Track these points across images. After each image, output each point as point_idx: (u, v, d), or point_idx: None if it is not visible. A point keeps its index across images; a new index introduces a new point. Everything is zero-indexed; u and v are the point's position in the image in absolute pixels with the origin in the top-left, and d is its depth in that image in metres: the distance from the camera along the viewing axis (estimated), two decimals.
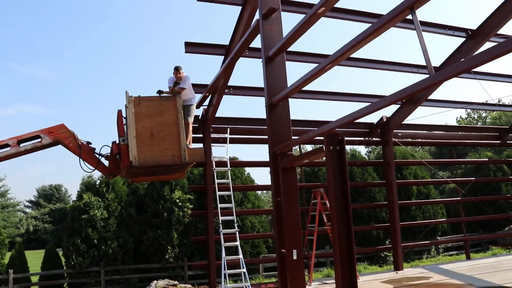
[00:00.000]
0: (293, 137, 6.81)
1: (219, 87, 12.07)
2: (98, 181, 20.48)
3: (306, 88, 7.83)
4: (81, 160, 9.72)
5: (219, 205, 12.98)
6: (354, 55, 11.58)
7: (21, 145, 9.69)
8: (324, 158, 5.11)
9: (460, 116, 61.17)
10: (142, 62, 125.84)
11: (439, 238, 24.70)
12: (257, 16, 7.67)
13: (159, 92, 9.62)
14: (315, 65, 6.53)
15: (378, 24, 4.91)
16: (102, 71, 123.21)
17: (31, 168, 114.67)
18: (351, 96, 14.91)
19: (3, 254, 20.71)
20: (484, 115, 59.48)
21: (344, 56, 5.51)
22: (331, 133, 5.18)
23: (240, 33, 9.51)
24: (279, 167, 6.48)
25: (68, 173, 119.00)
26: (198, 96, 11.97)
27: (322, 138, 14.78)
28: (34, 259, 24.93)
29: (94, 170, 9.80)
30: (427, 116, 16.64)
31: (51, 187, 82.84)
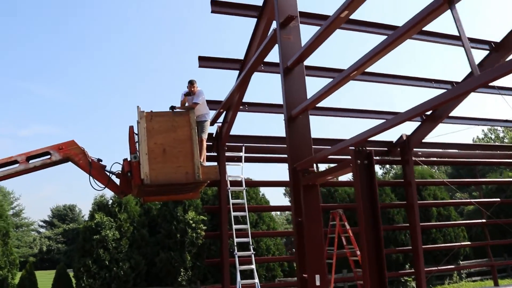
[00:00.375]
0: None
1: (234, 104, 11.70)
2: (111, 201, 20.14)
3: (318, 104, 7.36)
4: (91, 178, 9.35)
5: (234, 226, 12.48)
6: (368, 69, 11.20)
7: (30, 161, 9.39)
8: (351, 174, 4.68)
9: (477, 136, 60.01)
10: (156, 79, 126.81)
11: (461, 262, 23.75)
12: (273, 26, 7.31)
13: (172, 108, 9.26)
14: (328, 79, 6.16)
15: (412, 22, 4.46)
16: (115, 89, 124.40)
17: (46, 187, 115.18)
18: (367, 113, 14.38)
19: (13, 274, 20.37)
20: (501, 135, 58.27)
21: (369, 64, 5.11)
22: (359, 146, 4.72)
23: (256, 46, 9.16)
24: (300, 184, 6.01)
25: (82, 193, 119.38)
26: (212, 113, 11.61)
27: (338, 155, 14.32)
28: (46, 279, 24.53)
29: (104, 188, 9.43)
30: (446, 134, 16.03)
31: (65, 207, 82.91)
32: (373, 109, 14.47)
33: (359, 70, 5.10)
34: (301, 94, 6.46)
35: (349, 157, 5.32)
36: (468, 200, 18.04)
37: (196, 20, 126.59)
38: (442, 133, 25.39)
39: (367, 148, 4.75)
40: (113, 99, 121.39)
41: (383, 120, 5.15)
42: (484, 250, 25.72)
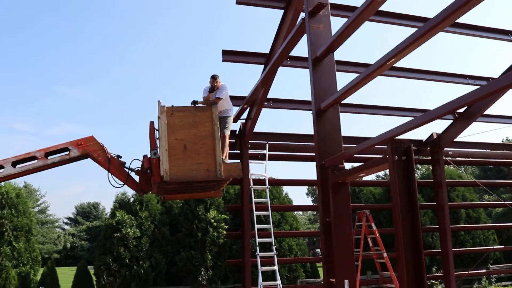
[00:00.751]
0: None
1: (258, 99, 11.30)
2: (132, 199, 20.04)
3: (344, 101, 6.89)
4: (109, 175, 9.09)
5: (256, 226, 12.09)
6: (396, 64, 10.62)
7: (49, 157, 9.16)
8: (387, 170, 4.25)
9: (507, 137, 58.42)
10: (179, 75, 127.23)
11: (490, 266, 22.93)
12: (302, 17, 6.90)
13: (194, 102, 8.92)
14: (355, 74, 5.74)
15: (446, 12, 4.01)
16: (140, 88, 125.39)
17: (73, 186, 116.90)
18: (396, 110, 13.79)
19: (36, 271, 20.44)
20: None
21: (399, 56, 4.68)
22: (396, 140, 4.28)
23: (282, 38, 8.74)
24: (328, 182, 5.58)
25: (106, 191, 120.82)
26: (235, 109, 11.24)
27: (365, 154, 13.78)
28: (68, 276, 24.60)
29: (123, 185, 9.14)
30: (474, 134, 15.34)
31: (89, 205, 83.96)
32: (403, 107, 13.89)
33: (395, 59, 4.65)
34: (331, 86, 6.03)
35: (375, 155, 4.90)
36: (501, 202, 17.28)
37: (220, 16, 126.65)
38: (472, 132, 24.57)
39: (406, 142, 4.31)
40: (140, 99, 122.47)
41: (411, 118, 4.71)
42: None
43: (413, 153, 4.25)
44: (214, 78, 9.16)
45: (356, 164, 5.79)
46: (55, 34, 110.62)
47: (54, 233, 70.07)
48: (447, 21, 4.31)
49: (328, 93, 5.93)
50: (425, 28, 4.42)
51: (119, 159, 9.35)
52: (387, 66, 4.86)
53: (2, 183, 21.55)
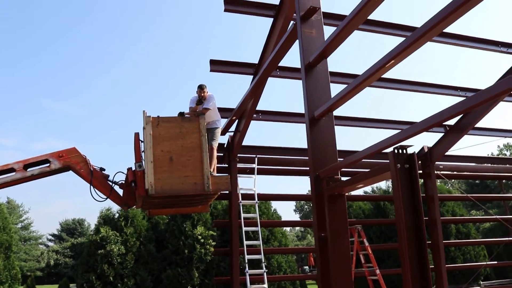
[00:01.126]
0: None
1: (247, 111, 11.00)
2: (117, 215, 19.52)
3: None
4: (92, 188, 8.67)
5: (245, 242, 11.68)
6: (384, 75, 10.37)
7: (28, 170, 8.72)
8: (375, 185, 3.97)
9: (492, 153, 58.82)
10: (168, 86, 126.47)
11: (482, 282, 22.68)
12: (293, 22, 6.64)
13: (181, 114, 8.59)
14: (343, 86, 5.51)
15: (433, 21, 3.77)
16: (128, 100, 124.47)
17: (58, 202, 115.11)
18: (385, 123, 13.56)
19: None
20: None
21: (390, 66, 4.44)
22: (398, 148, 3.98)
23: (272, 47, 8.47)
24: (324, 194, 5.25)
25: (93, 207, 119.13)
26: (223, 122, 10.92)
27: (354, 168, 13.51)
28: None
29: (106, 199, 8.74)
30: (462, 148, 15.13)
31: (74, 221, 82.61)
32: (392, 119, 13.68)
33: (395, 61, 4.37)
34: (325, 93, 5.74)
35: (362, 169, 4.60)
36: (494, 217, 17.09)
37: (210, 27, 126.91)
38: (463, 145, 24.47)
39: (408, 149, 4.00)
40: (127, 113, 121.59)
41: (398, 131, 4.47)
42: (506, 270, 24.69)
43: (417, 161, 3.93)
44: (201, 88, 8.86)
45: (344, 178, 5.51)
46: (40, 47, 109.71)
47: (37, 250, 68.53)
48: (435, 30, 4.11)
49: (322, 101, 5.64)
50: (414, 37, 4.19)
51: (103, 171, 8.95)
52: (385, 69, 4.58)
53: None
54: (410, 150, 4.06)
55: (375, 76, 4.65)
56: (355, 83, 5.09)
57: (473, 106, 3.94)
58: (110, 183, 8.80)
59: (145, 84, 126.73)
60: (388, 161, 4.08)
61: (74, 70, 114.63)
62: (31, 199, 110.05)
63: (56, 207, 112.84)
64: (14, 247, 20.78)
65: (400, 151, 3.98)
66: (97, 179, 8.67)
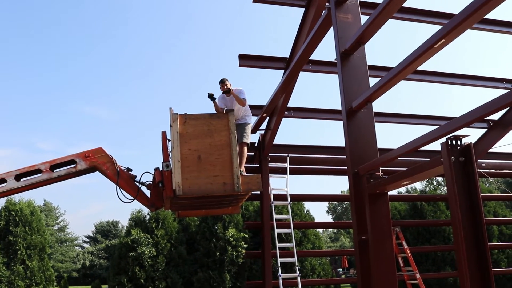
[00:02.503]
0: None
1: (278, 108, 10.57)
2: (148, 217, 19.40)
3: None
4: (118, 189, 8.39)
5: (278, 245, 11.23)
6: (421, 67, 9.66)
7: (55, 170, 8.52)
8: (410, 186, 3.50)
9: None
10: (197, 85, 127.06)
11: None
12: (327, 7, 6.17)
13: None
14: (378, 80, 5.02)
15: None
16: (161, 102, 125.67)
17: (93, 204, 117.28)
18: (421, 119, 12.86)
19: None
20: None
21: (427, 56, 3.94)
22: (453, 139, 3.48)
23: (304, 38, 8.01)
24: (364, 193, 4.77)
25: (126, 209, 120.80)
26: (253, 119, 10.52)
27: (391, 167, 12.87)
28: None
29: (133, 200, 8.45)
30: (510, 144, 14.24)
31: (109, 223, 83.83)
32: (428, 114, 12.97)
33: (446, 40, 3.86)
34: (363, 82, 5.26)
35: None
36: None
37: (241, 23, 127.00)
38: (506, 142, 23.38)
39: (464, 139, 3.50)
40: (161, 113, 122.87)
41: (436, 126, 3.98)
42: None
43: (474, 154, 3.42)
44: (223, 82, 8.44)
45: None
46: (69, 52, 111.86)
47: (73, 252, 69.94)
48: (474, 17, 3.61)
49: (360, 91, 5.16)
50: (469, 11, 3.68)
51: (130, 172, 8.68)
52: (434, 50, 4.06)
53: (17, 200, 21.17)
54: (465, 141, 3.55)
55: (422, 59, 4.14)
56: (399, 68, 4.58)
57: None
58: (137, 184, 8.53)
59: (178, 85, 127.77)
60: (439, 154, 3.58)
61: (104, 73, 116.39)
62: (67, 202, 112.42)
63: (91, 209, 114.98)
64: (48, 249, 20.90)
65: (454, 142, 3.49)
66: (123, 179, 8.40)
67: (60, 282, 21.02)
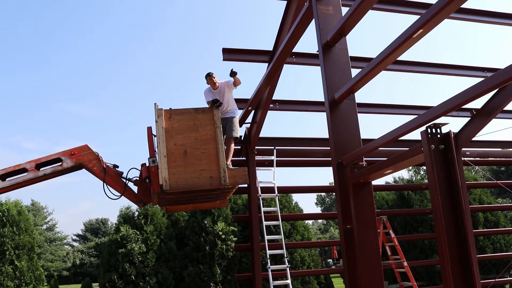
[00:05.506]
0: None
1: (263, 101, 10.60)
2: (136, 213, 19.34)
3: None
4: (105, 186, 8.39)
5: (266, 237, 11.30)
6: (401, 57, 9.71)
7: (40, 169, 8.49)
8: (397, 174, 3.56)
9: None
10: (182, 81, 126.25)
11: None
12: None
13: (233, 72, 8.14)
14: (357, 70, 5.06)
15: None
16: (146, 98, 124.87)
17: (82, 203, 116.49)
18: (401, 108, 12.93)
19: None
20: None
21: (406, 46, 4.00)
22: (432, 127, 3.54)
23: (287, 30, 8.03)
24: (348, 183, 4.83)
25: (115, 207, 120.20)
26: (239, 113, 10.53)
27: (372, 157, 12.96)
28: None
29: (120, 196, 8.45)
30: (496, 131, 14.43)
31: (98, 221, 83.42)
32: (407, 104, 13.04)
33: (424, 30, 3.91)
34: (345, 73, 5.31)
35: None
36: None
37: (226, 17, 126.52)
38: (489, 130, 23.66)
39: (442, 127, 3.56)
40: (147, 109, 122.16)
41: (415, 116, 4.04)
42: None
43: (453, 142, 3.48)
44: (209, 75, 8.46)
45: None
46: (51, 51, 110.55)
47: (63, 251, 69.43)
48: (451, 6, 3.67)
49: (342, 82, 5.21)
50: (429, 15, 3.75)
51: (116, 169, 8.68)
52: (413, 40, 4.11)
53: (3, 200, 20.97)
54: (445, 129, 3.61)
55: (402, 49, 4.20)
56: (380, 58, 4.64)
57: (510, 79, 3.45)
58: (124, 180, 8.53)
59: (164, 80, 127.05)
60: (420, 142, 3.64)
61: (83, 71, 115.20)
62: (55, 201, 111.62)
63: (80, 208, 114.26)
64: (37, 249, 20.75)
65: (434, 130, 3.55)
66: (110, 176, 8.41)
67: (50, 282, 20.83)
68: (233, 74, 8.16)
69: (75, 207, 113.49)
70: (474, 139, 13.68)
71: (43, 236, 61.48)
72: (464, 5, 5.02)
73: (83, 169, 8.75)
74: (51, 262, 61.33)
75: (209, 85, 8.61)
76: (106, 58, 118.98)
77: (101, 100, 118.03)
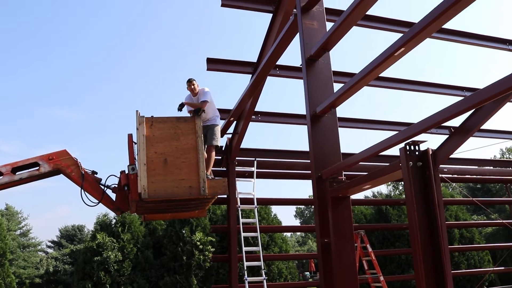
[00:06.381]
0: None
1: (245, 112, 10.63)
2: (114, 220, 19.11)
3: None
4: (83, 192, 8.27)
5: (244, 248, 11.27)
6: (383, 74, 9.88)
7: (17, 173, 8.32)
8: (376, 189, 3.61)
9: (494, 156, 58.27)
10: (165, 89, 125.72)
11: None
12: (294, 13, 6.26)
13: (181, 106, 8.21)
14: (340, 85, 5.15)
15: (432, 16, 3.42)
16: (129, 103, 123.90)
17: (59, 208, 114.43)
18: (385, 124, 13.13)
19: None
20: None
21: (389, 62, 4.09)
22: (411, 144, 3.60)
23: (272, 42, 8.10)
24: (327, 197, 4.86)
25: (94, 213, 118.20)
26: (221, 123, 10.53)
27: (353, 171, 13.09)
28: None
29: (97, 203, 8.33)
30: (473, 149, 14.69)
31: (74, 228, 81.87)
32: (389, 120, 13.23)
33: (405, 48, 3.99)
34: (327, 88, 5.36)
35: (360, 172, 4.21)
36: (501, 221, 16.65)
37: (214, 26, 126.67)
38: (466, 148, 24.12)
39: (420, 144, 3.62)
40: (128, 117, 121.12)
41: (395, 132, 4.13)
42: (510, 276, 24.23)
43: (431, 159, 3.54)
44: (190, 81, 8.43)
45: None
46: (33, 54, 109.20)
47: (36, 257, 67.84)
48: (432, 26, 3.78)
49: (324, 96, 5.26)
50: (428, 20, 3.83)
51: (95, 175, 8.56)
52: (394, 58, 4.20)
53: None
54: (423, 147, 3.68)
55: (383, 66, 4.28)
56: (362, 74, 4.71)
57: (488, 99, 3.54)
58: (102, 187, 8.42)
59: (147, 86, 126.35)
60: (398, 159, 3.70)
61: (67, 75, 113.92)
62: (31, 206, 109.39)
63: (57, 213, 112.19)
64: (9, 255, 20.32)
65: (413, 147, 3.61)
66: (88, 182, 8.28)
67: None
68: (181, 106, 8.22)
69: (52, 213, 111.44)
70: (451, 156, 13.92)
71: (16, 241, 60.09)
72: (445, 26, 5.15)
73: (61, 175, 8.62)
74: (23, 269, 59.89)
75: (189, 92, 8.60)
76: (92, 64, 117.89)
77: (85, 105, 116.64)
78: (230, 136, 11.92)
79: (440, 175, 13.93)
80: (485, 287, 22.12)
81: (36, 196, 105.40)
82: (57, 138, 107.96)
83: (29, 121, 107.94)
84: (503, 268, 20.07)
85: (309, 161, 11.01)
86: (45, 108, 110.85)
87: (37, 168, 8.24)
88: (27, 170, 8.30)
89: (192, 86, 8.37)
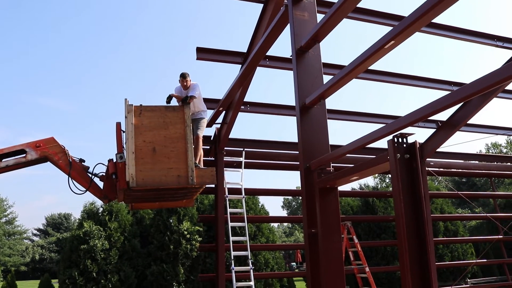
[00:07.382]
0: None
1: (234, 102, 10.61)
2: (101, 209, 19.03)
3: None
4: (70, 180, 8.22)
5: (231, 238, 11.32)
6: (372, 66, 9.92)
7: (3, 160, 8.23)
8: (363, 181, 3.65)
9: (480, 150, 58.96)
10: (157, 77, 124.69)
11: (469, 280, 22.55)
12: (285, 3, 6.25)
13: (169, 98, 8.20)
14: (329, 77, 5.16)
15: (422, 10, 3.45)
16: (119, 93, 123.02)
17: (46, 196, 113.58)
18: (374, 117, 13.19)
19: None
20: (505, 150, 57.36)
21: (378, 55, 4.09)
22: (398, 136, 3.63)
23: (262, 33, 8.07)
24: (315, 187, 4.90)
25: (81, 202, 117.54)
26: (209, 113, 10.52)
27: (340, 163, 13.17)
28: None
29: (85, 192, 8.30)
30: (460, 144, 14.88)
31: (60, 216, 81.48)
32: (376, 113, 13.28)
33: (395, 41, 4.02)
34: (317, 79, 5.38)
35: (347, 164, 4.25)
36: (485, 215, 16.91)
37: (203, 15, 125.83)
38: (452, 142, 24.34)
39: (408, 137, 3.66)
40: (117, 106, 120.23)
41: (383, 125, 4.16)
42: (493, 268, 24.64)
43: (418, 151, 3.58)
44: (183, 77, 8.41)
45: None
46: (19, 43, 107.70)
47: (22, 245, 67.57)
48: (422, 20, 3.81)
49: (314, 87, 5.28)
50: (418, 14, 3.86)
51: (82, 163, 8.51)
52: (384, 51, 4.22)
53: None
54: (411, 139, 3.71)
55: (373, 59, 4.31)
56: (351, 67, 4.73)
57: (475, 93, 3.59)
58: (90, 175, 8.38)
59: (138, 76, 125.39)
60: (387, 151, 3.73)
61: (55, 63, 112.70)
62: (18, 194, 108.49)
63: (44, 201, 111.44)
64: (2, 241, 20.16)
65: (400, 139, 3.65)
66: (76, 170, 8.24)
67: (6, 277, 20.27)
68: (169, 98, 8.21)
69: (39, 201, 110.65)
70: (438, 150, 14.04)
71: (1, 229, 59.68)
72: (434, 20, 5.18)
73: (48, 162, 8.56)
74: (9, 257, 59.60)
75: (180, 85, 8.58)
76: (81, 53, 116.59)
77: (73, 94, 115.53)
78: (218, 126, 11.89)
79: (426, 168, 14.08)
80: (467, 279, 22.45)
81: (23, 184, 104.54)
82: (45, 126, 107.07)
83: (16, 109, 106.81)
84: (485, 260, 20.38)
85: (297, 152, 11.08)
86: (32, 96, 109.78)
87: (24, 155, 8.18)
88: (13, 157, 8.23)
89: (185, 83, 8.35)
